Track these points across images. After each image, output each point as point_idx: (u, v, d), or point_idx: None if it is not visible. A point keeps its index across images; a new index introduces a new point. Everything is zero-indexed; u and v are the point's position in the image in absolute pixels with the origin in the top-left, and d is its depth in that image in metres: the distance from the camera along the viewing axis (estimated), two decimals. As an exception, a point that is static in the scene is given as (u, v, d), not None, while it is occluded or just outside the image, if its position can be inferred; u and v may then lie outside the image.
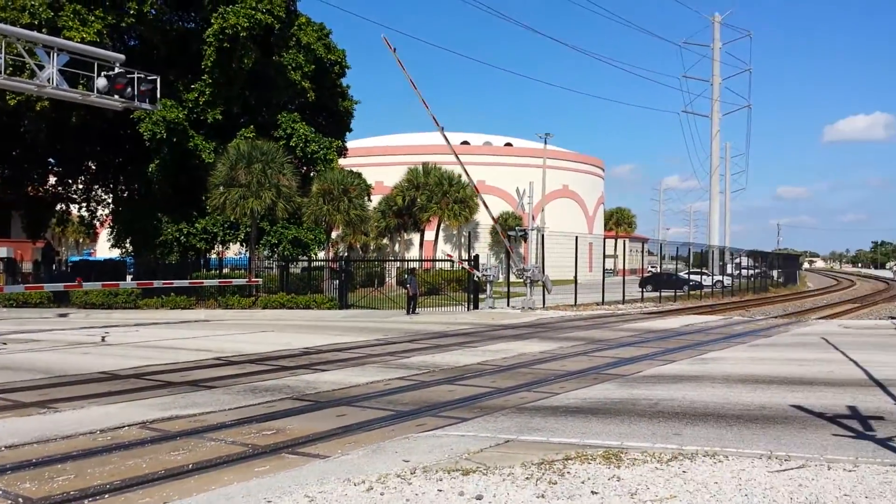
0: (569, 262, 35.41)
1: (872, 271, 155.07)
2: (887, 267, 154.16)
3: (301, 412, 9.77)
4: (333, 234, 44.33)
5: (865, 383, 11.82)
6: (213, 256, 39.20)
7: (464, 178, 61.14)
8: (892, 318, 27.84)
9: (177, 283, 29.64)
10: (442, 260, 39.18)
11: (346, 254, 46.97)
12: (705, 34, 65.84)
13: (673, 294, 42.24)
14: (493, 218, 34.63)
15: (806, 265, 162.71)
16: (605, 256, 49.79)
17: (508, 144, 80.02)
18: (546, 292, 32.10)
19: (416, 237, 64.11)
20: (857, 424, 8.76)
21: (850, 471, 6.50)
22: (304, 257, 35.60)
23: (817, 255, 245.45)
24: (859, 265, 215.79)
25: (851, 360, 14.82)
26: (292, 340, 18.93)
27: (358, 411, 9.80)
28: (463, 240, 59.26)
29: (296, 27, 34.75)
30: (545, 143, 64.60)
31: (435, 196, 60.27)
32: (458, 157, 33.94)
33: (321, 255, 38.84)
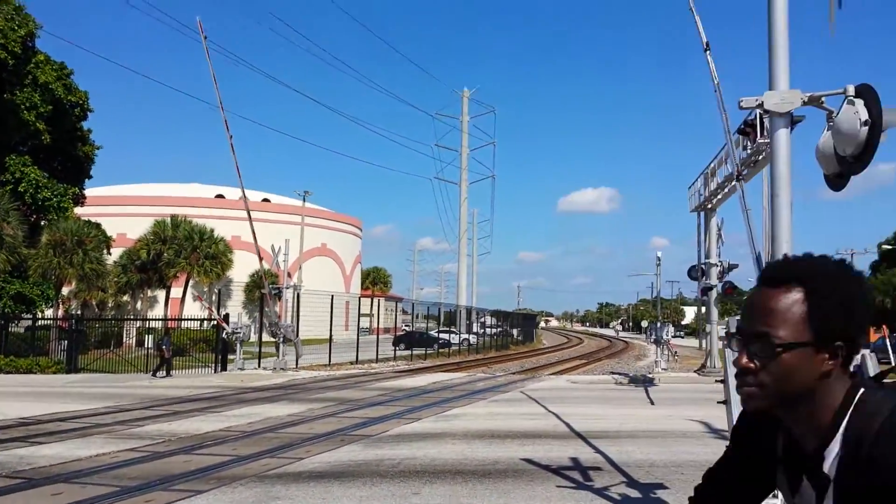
0: (325, 320, 35.28)
1: (598, 329, 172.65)
2: (611, 326, 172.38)
3: (11, 492, 8.62)
4: (65, 290, 40.32)
5: (588, 435, 12.97)
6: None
7: (216, 232, 59.15)
8: (612, 373, 31.00)
9: None
10: (190, 319, 37.16)
11: (79, 312, 42.86)
12: (456, 107, 70.29)
13: (424, 352, 43.62)
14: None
15: (542, 324, 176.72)
16: (360, 315, 50.33)
17: (266, 200, 78.80)
18: (297, 353, 31.62)
19: (161, 294, 60.28)
20: (579, 475, 9.55)
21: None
22: (29, 315, 31.93)
23: (552, 315, 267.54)
24: (587, 324, 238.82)
25: (578, 413, 16.22)
26: (6, 409, 16.74)
27: (78, 489, 8.84)
28: (214, 297, 56.79)
29: (33, 65, 31.83)
30: (304, 200, 64.51)
31: (184, 251, 57.32)
32: (249, 215, 32.64)
33: (49, 312, 35.08)
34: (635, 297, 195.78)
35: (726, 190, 24.08)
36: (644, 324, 51.25)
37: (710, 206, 26.79)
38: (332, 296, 35.99)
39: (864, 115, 5.38)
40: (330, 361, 33.46)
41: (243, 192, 29.46)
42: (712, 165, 25.33)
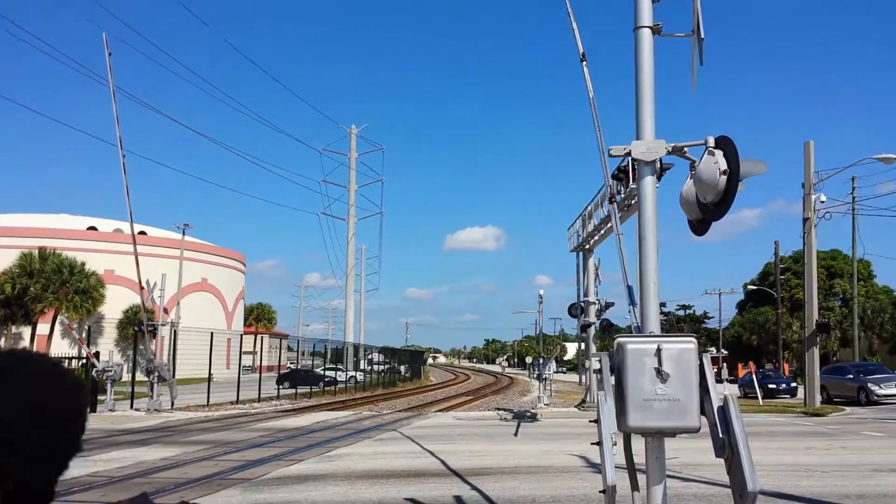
0: (204, 358, 33.98)
1: (485, 366, 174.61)
2: (497, 362, 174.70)
3: None
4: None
5: (473, 472, 13.04)
6: None
7: (88, 265, 56.11)
8: (497, 409, 31.37)
9: None
10: (58, 358, 34.86)
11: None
12: (344, 143, 70.11)
13: (309, 390, 42.70)
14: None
15: (430, 360, 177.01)
16: (242, 353, 48.79)
17: (142, 233, 75.64)
18: (172, 393, 30.25)
19: (27, 331, 56.47)
20: (459, 512, 9.57)
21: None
22: None
23: (440, 351, 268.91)
24: (474, 360, 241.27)
25: (464, 450, 16.29)
26: None
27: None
28: (84, 334, 53.70)
29: None
30: (183, 233, 62.38)
31: (52, 285, 54.02)
32: (135, 247, 31.03)
33: None
34: (520, 333, 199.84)
35: (602, 231, 25.06)
36: (528, 360, 52.23)
37: (587, 246, 27.79)
38: (212, 332, 34.78)
39: (724, 166, 5.77)
40: (209, 402, 32.19)
41: (131, 220, 28.22)
42: (590, 207, 26.36)
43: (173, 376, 30.20)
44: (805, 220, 29.70)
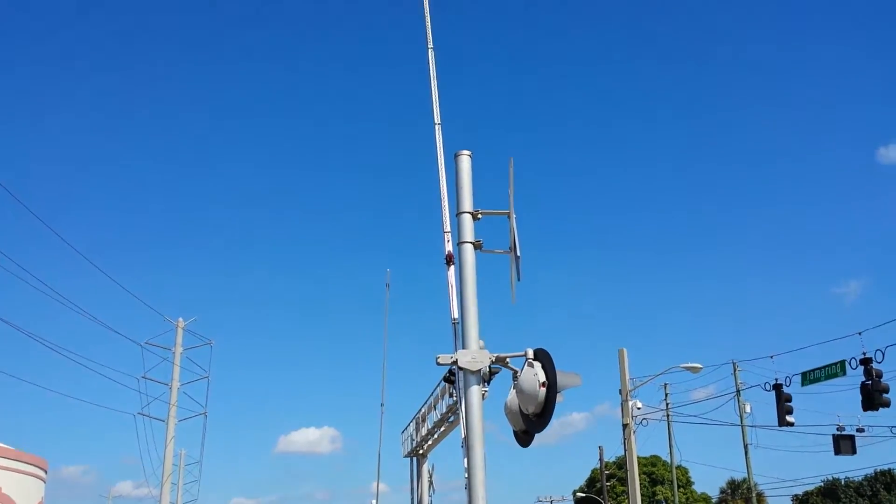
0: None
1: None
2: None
3: None
4: None
5: None
6: None
7: None
8: None
9: None
10: None
11: None
12: (168, 337, 66.58)
13: None
14: None
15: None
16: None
17: (-76, 433, 66.19)
18: None
19: None
20: None
21: None
22: None
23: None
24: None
25: None
26: None
27: None
28: None
29: None
30: (-26, 435, 55.26)
31: None
32: None
33: None
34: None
35: (436, 435, 24.88)
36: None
37: (421, 451, 27.34)
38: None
39: (542, 377, 5.97)
40: None
41: None
42: (423, 410, 26.26)
43: None
44: (624, 426, 30.95)
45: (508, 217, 6.24)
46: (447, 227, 8.16)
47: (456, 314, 6.70)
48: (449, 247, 7.89)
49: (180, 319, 66.53)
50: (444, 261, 7.98)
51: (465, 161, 6.29)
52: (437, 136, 7.39)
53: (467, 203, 6.14)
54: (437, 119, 7.52)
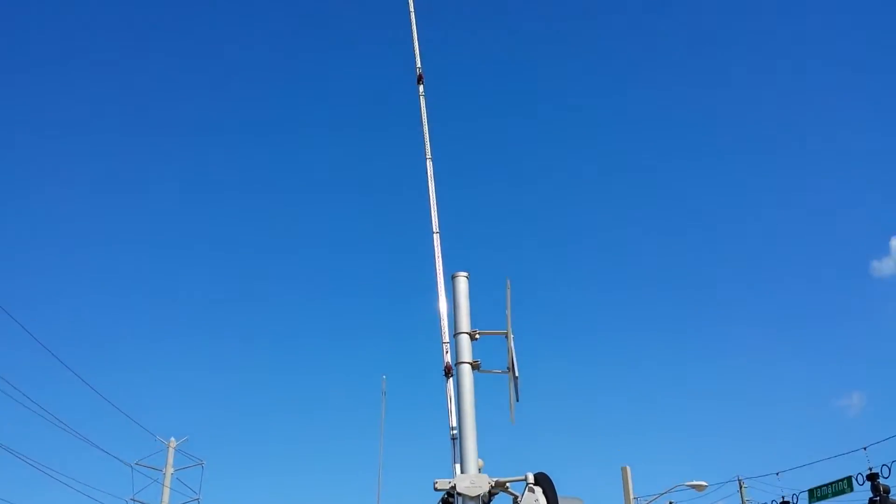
0: None
1: None
2: None
3: None
4: None
5: None
6: None
7: None
8: None
9: None
10: None
11: None
12: (160, 458, 64.64)
13: None
14: None
15: None
16: None
17: None
18: None
19: None
20: None
21: None
22: None
23: None
24: None
25: None
26: None
27: None
28: None
29: None
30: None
31: None
32: None
33: None
34: None
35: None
36: None
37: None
38: None
39: (543, 503, 5.80)
40: None
41: None
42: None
43: None
44: (629, 546, 29.84)
45: (506, 337, 6.23)
46: (445, 339, 8.14)
47: (454, 422, 6.55)
48: (447, 357, 7.84)
49: (172, 439, 64.89)
50: (443, 372, 7.88)
51: (463, 282, 6.33)
52: (435, 246, 7.38)
53: (465, 324, 6.14)
54: (435, 228, 7.49)
